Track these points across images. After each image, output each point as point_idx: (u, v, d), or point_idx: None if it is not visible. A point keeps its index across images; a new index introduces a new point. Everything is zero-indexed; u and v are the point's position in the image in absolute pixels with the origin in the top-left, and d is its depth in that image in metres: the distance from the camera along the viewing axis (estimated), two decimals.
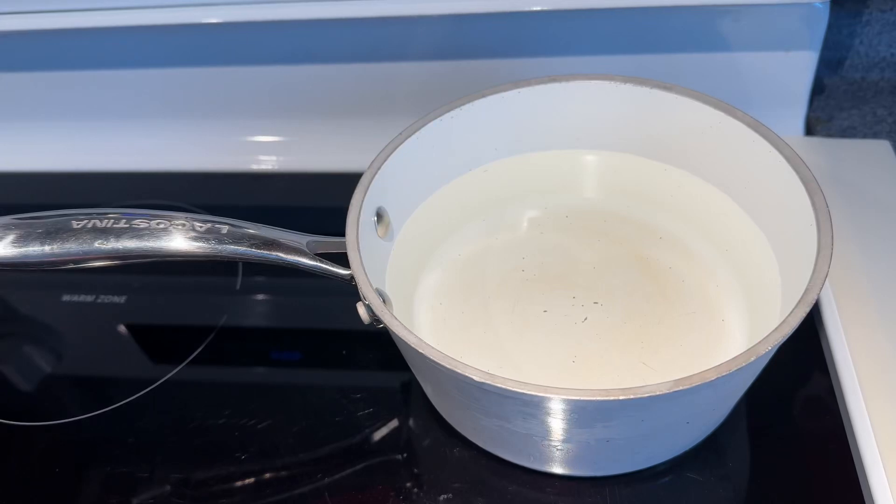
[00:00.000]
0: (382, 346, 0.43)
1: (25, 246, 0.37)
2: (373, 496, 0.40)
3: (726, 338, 0.40)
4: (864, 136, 0.57)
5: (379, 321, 0.35)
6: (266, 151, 0.62)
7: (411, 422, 0.43)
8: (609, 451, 0.36)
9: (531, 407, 0.32)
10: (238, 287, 0.52)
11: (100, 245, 0.37)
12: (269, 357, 0.48)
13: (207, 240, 0.37)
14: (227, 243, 0.37)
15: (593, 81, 0.44)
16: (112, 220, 0.37)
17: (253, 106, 0.61)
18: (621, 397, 0.30)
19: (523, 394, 0.30)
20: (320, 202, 0.58)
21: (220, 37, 0.56)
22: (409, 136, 0.42)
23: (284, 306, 0.52)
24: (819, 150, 0.54)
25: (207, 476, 0.42)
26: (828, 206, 0.35)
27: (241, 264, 0.53)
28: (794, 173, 0.38)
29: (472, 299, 0.42)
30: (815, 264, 0.33)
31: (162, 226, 0.37)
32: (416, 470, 0.41)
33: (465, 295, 0.42)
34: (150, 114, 0.62)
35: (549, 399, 0.31)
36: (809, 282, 0.33)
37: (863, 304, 0.44)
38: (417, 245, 0.44)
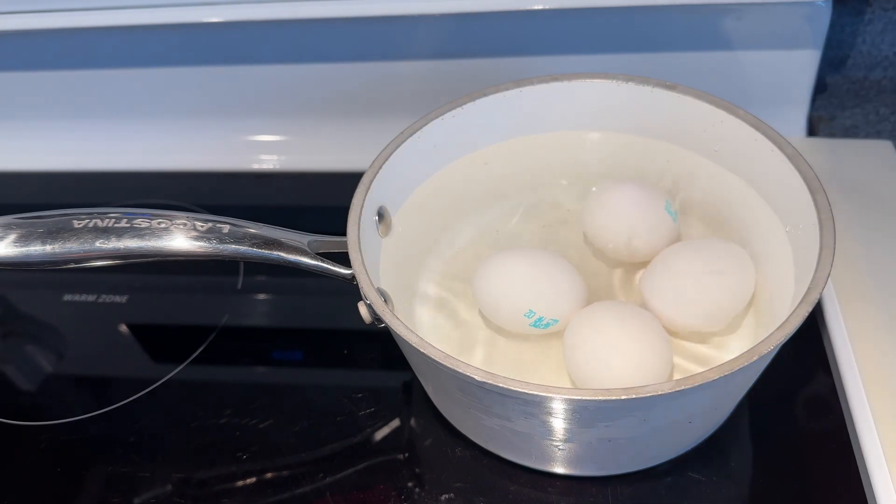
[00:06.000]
0: (384, 345, 0.43)
1: (27, 245, 0.37)
2: (374, 496, 0.40)
3: (730, 334, 0.39)
4: (867, 135, 0.57)
5: (380, 321, 0.34)
6: (267, 151, 0.62)
7: (413, 421, 0.43)
8: (611, 450, 0.36)
9: (533, 406, 0.32)
10: (239, 286, 0.52)
11: (101, 245, 0.37)
12: (270, 357, 0.48)
13: (209, 239, 0.37)
14: (228, 243, 0.37)
15: (595, 80, 0.44)
16: (113, 220, 0.37)
17: (254, 105, 0.61)
18: (623, 397, 0.30)
19: (525, 393, 0.30)
20: (321, 201, 0.58)
21: (221, 36, 0.56)
22: (411, 135, 0.42)
23: (286, 306, 0.52)
24: (821, 149, 0.53)
25: (209, 476, 0.42)
26: (830, 205, 0.35)
27: (242, 264, 0.53)
28: (796, 172, 0.37)
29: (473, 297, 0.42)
30: (818, 263, 0.33)
31: (163, 225, 0.37)
32: (417, 469, 0.41)
33: (467, 292, 0.42)
34: (150, 113, 0.62)
35: (550, 399, 0.31)
36: (812, 281, 0.33)
37: (866, 303, 0.44)
38: (416, 241, 0.44)
